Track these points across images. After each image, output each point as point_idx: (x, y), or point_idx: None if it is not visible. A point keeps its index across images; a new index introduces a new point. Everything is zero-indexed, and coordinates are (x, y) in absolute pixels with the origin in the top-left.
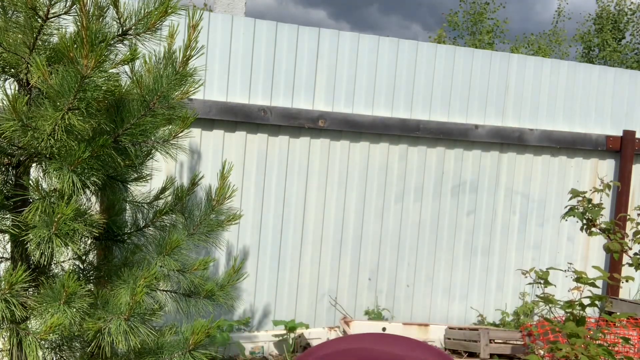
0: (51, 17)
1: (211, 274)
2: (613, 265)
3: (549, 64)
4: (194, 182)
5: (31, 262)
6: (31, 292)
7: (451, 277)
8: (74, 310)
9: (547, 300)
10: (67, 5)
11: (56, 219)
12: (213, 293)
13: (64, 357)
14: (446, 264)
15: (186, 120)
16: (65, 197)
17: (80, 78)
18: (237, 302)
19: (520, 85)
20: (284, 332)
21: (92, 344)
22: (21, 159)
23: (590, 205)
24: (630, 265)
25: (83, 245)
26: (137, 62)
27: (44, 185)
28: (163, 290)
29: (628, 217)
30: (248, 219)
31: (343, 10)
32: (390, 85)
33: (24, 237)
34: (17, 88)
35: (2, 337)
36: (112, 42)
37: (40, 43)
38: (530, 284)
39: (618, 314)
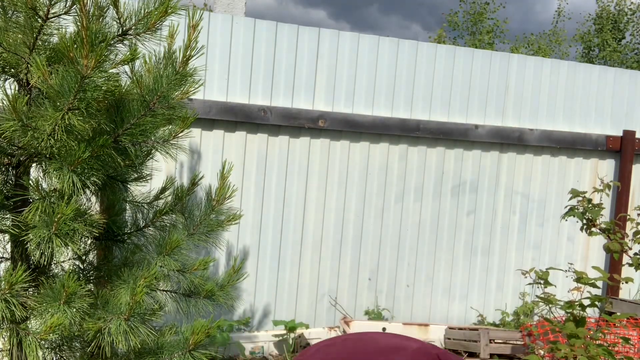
0: (51, 17)
1: (211, 274)
2: (613, 265)
3: (549, 64)
4: (194, 182)
5: (31, 262)
6: (31, 292)
7: (451, 277)
8: (74, 310)
9: (547, 300)
10: (67, 5)
11: (56, 219)
12: (213, 293)
13: (64, 357)
14: (446, 264)
15: (186, 120)
16: (65, 197)
17: (80, 78)
18: (237, 302)
19: (520, 85)
20: (284, 332)
21: (92, 344)
22: (21, 159)
23: (590, 205)
24: (630, 265)
25: (83, 245)
26: (137, 62)
27: (44, 185)
28: (163, 290)
29: (628, 217)
30: (248, 219)
31: (343, 10)
32: (390, 85)
33: (24, 237)
34: (17, 88)
35: (2, 337)
36: (112, 42)
37: (40, 43)
38: (530, 284)
39: (618, 314)
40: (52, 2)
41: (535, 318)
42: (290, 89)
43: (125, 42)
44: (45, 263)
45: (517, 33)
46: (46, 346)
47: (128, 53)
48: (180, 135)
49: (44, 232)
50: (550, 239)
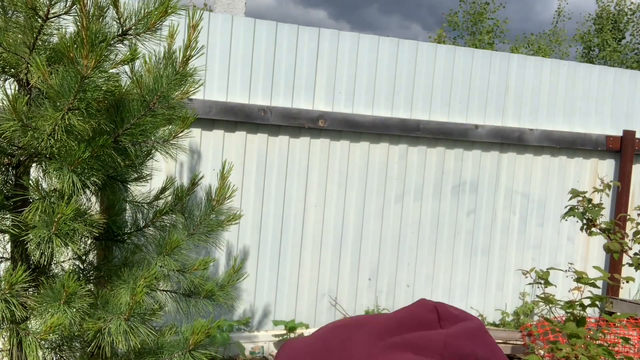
0: (51, 17)
1: (211, 274)
2: (613, 265)
3: (549, 64)
4: (194, 182)
5: (31, 262)
6: (31, 292)
7: (451, 277)
8: (74, 310)
9: (548, 300)
10: (67, 5)
11: (56, 219)
12: (213, 293)
13: (64, 357)
14: (446, 264)
15: (186, 120)
16: (65, 197)
17: (80, 78)
18: (237, 302)
19: (520, 85)
20: (284, 332)
21: (92, 344)
22: (21, 159)
23: (590, 205)
24: (630, 265)
25: (83, 245)
26: (137, 62)
27: (44, 185)
28: (163, 290)
29: (628, 217)
30: (248, 219)
31: (343, 10)
32: (390, 85)
33: (24, 237)
34: (17, 88)
35: (2, 337)
36: (112, 42)
37: (40, 43)
38: (530, 284)
39: (618, 314)
40: (52, 2)
41: (535, 318)
42: (290, 89)
43: (125, 42)
44: (45, 263)
45: (517, 33)
46: (46, 346)
47: (128, 53)
48: (180, 135)
49: (44, 232)
50: (550, 239)
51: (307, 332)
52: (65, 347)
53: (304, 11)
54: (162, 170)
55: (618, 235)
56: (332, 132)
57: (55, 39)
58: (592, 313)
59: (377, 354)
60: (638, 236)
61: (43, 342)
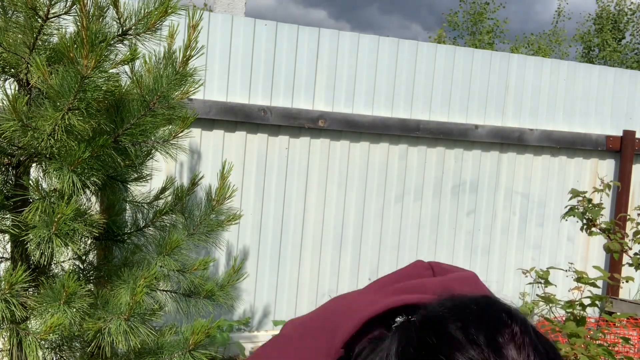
0: (51, 17)
1: (211, 274)
2: (613, 265)
3: (549, 64)
4: (194, 182)
5: (31, 262)
6: (31, 292)
7: None
8: (74, 310)
9: (548, 300)
10: (67, 5)
11: (56, 219)
12: (213, 293)
13: (64, 357)
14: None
15: (186, 120)
16: (65, 197)
17: (80, 78)
18: (237, 302)
19: (520, 85)
20: None
21: (92, 344)
22: (21, 159)
23: (590, 205)
24: (630, 265)
25: (83, 245)
26: (137, 62)
27: (44, 185)
28: (163, 290)
29: (628, 217)
30: (248, 219)
31: (343, 10)
32: (390, 85)
33: (24, 237)
34: (17, 88)
35: (2, 337)
36: (112, 42)
37: (40, 43)
38: (530, 283)
39: (618, 314)
40: (52, 2)
41: (535, 318)
42: (290, 89)
43: (125, 42)
44: (45, 263)
45: (517, 33)
46: (46, 346)
47: (128, 53)
48: (180, 135)
49: (44, 232)
50: (550, 239)
51: None
52: (65, 347)
53: (304, 11)
54: (162, 170)
55: (618, 235)
56: (332, 132)
57: (55, 39)
58: (592, 313)
59: (379, 300)
60: (638, 236)
61: (43, 342)
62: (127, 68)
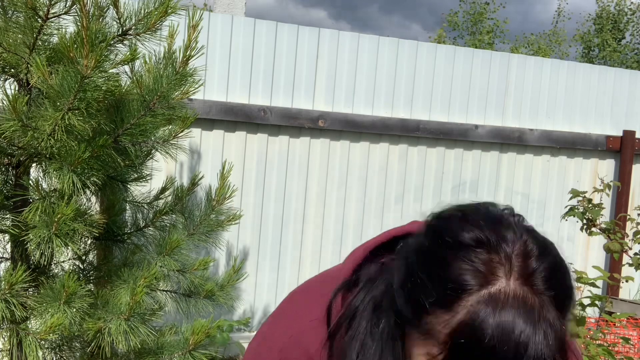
0: (51, 17)
1: (211, 274)
2: (613, 265)
3: (549, 64)
4: (194, 182)
5: (31, 262)
6: (31, 292)
7: None
8: (74, 310)
9: None
10: (67, 5)
11: (56, 219)
12: (213, 293)
13: (64, 357)
14: None
15: (186, 120)
16: (65, 197)
17: (80, 78)
18: (237, 302)
19: (520, 85)
20: None
21: (92, 344)
22: (21, 159)
23: (590, 205)
24: (630, 265)
25: (83, 245)
26: (137, 62)
27: (44, 185)
28: (163, 290)
29: (628, 217)
30: (248, 219)
31: (343, 10)
32: (390, 85)
33: (24, 237)
34: (17, 88)
35: (2, 337)
36: (112, 42)
37: (40, 43)
38: None
39: (618, 314)
40: (52, 2)
41: None
42: (290, 89)
43: (125, 42)
44: (45, 263)
45: (517, 33)
46: (46, 346)
47: (128, 53)
48: (180, 135)
49: (44, 232)
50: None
51: None
52: (65, 347)
53: (304, 11)
54: (162, 170)
55: (618, 235)
56: (332, 132)
57: (55, 39)
58: (592, 313)
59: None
60: (638, 236)
61: (43, 342)
62: (127, 68)
